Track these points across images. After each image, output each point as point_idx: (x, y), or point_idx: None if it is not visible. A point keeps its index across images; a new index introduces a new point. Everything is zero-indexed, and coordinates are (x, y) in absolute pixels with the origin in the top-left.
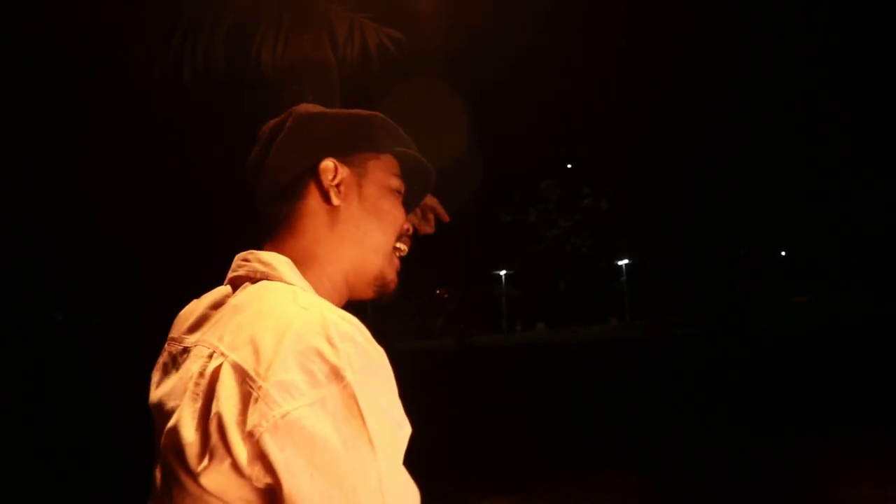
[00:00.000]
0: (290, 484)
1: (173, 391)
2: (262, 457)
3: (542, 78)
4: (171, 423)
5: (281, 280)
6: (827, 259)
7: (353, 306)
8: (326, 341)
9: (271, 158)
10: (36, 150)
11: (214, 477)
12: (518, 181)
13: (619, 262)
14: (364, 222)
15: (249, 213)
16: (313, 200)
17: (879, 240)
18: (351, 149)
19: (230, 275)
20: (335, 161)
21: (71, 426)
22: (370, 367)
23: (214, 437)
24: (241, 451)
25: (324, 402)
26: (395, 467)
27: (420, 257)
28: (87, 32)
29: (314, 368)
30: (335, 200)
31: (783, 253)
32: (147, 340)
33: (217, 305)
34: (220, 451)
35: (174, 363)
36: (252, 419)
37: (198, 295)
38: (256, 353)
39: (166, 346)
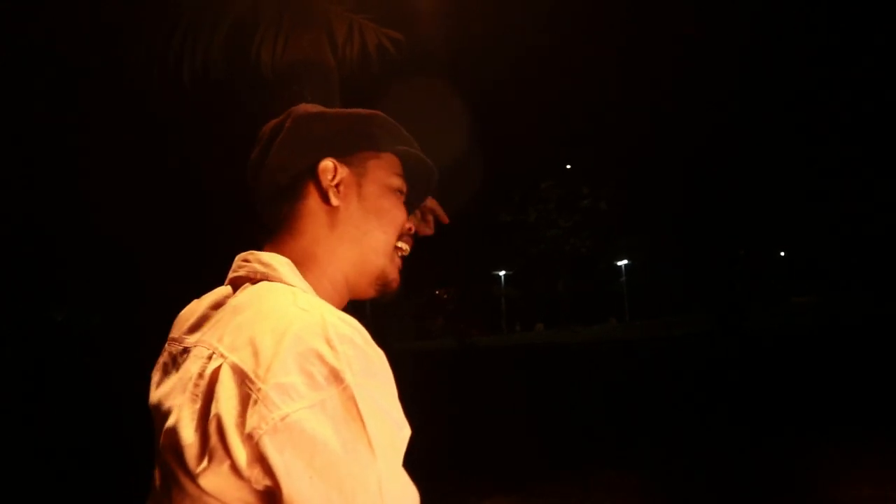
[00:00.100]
0: (290, 486)
1: (173, 391)
2: (261, 459)
3: (542, 78)
4: (170, 424)
5: (281, 281)
6: (827, 259)
7: (351, 306)
8: (326, 343)
9: (271, 159)
10: (36, 150)
11: (213, 478)
12: (518, 181)
13: (619, 263)
14: (364, 222)
15: (249, 213)
16: (313, 201)
17: (879, 240)
18: (351, 148)
19: (230, 275)
20: (334, 161)
21: (71, 426)
22: (370, 369)
23: (214, 438)
24: (241, 453)
25: (323, 405)
26: (394, 469)
27: (420, 258)
28: (87, 32)
29: (314, 371)
30: (334, 201)
31: (782, 253)
32: (147, 340)
33: (217, 306)
34: (220, 452)
35: (174, 363)
36: (251, 421)
37: (198, 295)
38: (256, 354)
39: (166, 346)
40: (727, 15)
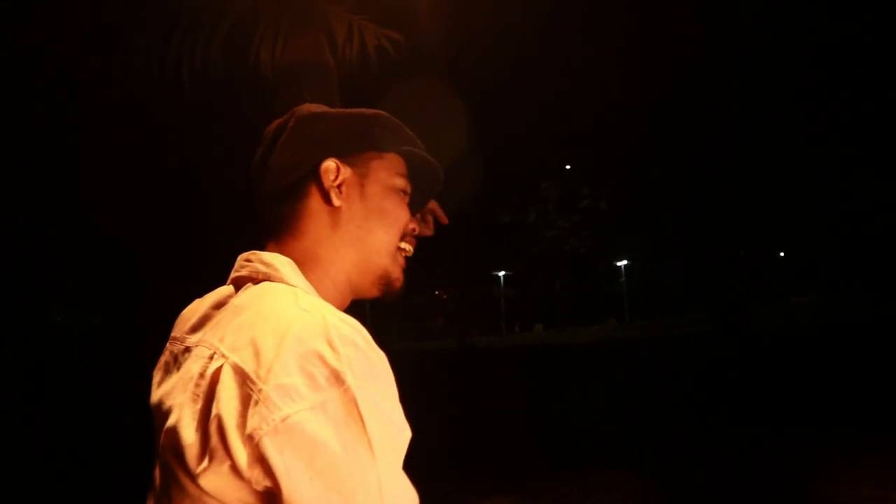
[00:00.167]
0: (290, 488)
1: (174, 391)
2: (261, 460)
3: (541, 78)
4: (170, 423)
5: (283, 281)
6: (827, 259)
7: (351, 306)
8: (327, 344)
9: (274, 159)
10: (36, 151)
11: (213, 479)
12: (517, 182)
13: (619, 263)
14: (366, 222)
15: (249, 213)
16: (315, 201)
17: (879, 240)
18: (353, 149)
19: (233, 275)
20: (337, 161)
21: (71, 426)
22: (371, 371)
23: (214, 438)
24: (241, 453)
25: (324, 406)
26: (394, 472)
27: (419, 258)
28: (87, 32)
29: (315, 372)
30: (336, 201)
31: (782, 253)
32: (147, 340)
33: (219, 305)
34: (220, 453)
35: (176, 362)
36: (252, 422)
37: (198, 295)
38: (257, 355)
39: (168, 345)
40: (727, 15)
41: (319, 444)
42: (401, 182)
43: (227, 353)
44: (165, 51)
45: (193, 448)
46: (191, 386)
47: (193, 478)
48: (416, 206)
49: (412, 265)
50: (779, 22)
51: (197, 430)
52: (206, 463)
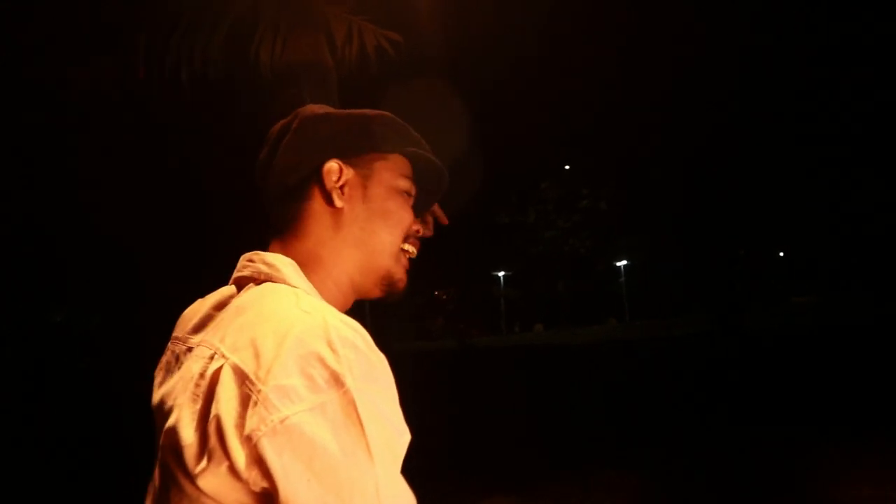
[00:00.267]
0: (287, 489)
1: (174, 391)
2: (259, 461)
3: (541, 78)
4: (169, 423)
5: (284, 282)
6: (827, 259)
7: (351, 306)
8: (328, 346)
9: (278, 159)
10: (36, 151)
11: (212, 479)
12: (517, 182)
13: (618, 263)
14: (369, 224)
15: (250, 213)
16: (318, 202)
17: (879, 240)
18: (357, 150)
19: (235, 275)
20: (340, 162)
21: (71, 426)
22: (371, 373)
23: (213, 439)
24: (239, 454)
25: (323, 408)
26: (392, 476)
27: (419, 258)
28: (87, 32)
29: (314, 373)
30: (338, 202)
31: (782, 253)
32: (147, 340)
33: (221, 306)
34: (218, 453)
35: (177, 362)
36: (251, 423)
37: (198, 295)
38: (257, 356)
39: (170, 345)
40: (727, 15)
41: (318, 445)
42: (404, 183)
43: (227, 354)
44: (165, 51)
45: (192, 448)
46: (191, 386)
47: (192, 478)
48: (421, 207)
49: (412, 265)
50: (779, 22)
51: (196, 431)
52: (204, 463)
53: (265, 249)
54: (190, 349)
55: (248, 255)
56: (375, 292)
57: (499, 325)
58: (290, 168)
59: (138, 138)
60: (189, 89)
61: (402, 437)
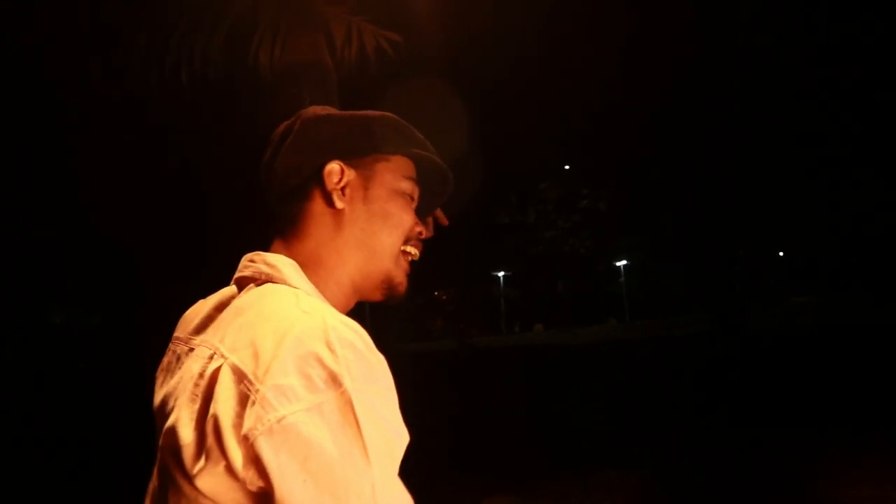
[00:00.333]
0: (283, 488)
1: (175, 391)
2: (256, 460)
3: (541, 78)
4: (169, 423)
5: (285, 283)
6: (827, 259)
7: (352, 307)
8: (326, 347)
9: (280, 161)
10: (36, 151)
11: (209, 479)
12: (517, 182)
13: (618, 263)
14: (369, 225)
15: (249, 213)
16: (318, 204)
17: (879, 240)
18: (359, 151)
19: (236, 275)
20: (341, 164)
21: (71, 426)
22: (370, 374)
23: (210, 438)
24: (236, 453)
25: (320, 408)
26: (389, 477)
27: (419, 259)
28: (87, 32)
29: (312, 373)
30: (338, 204)
31: (782, 253)
32: (147, 340)
33: (222, 307)
34: (216, 452)
35: (178, 363)
36: (248, 422)
37: (198, 295)
38: (256, 355)
39: (171, 345)
40: (727, 15)
41: (314, 445)
42: (407, 185)
43: (226, 354)
44: (165, 51)
45: (190, 448)
46: (190, 386)
47: (190, 479)
48: (426, 208)
49: (412, 267)
50: (779, 22)
51: (194, 430)
52: (201, 463)
53: (267, 250)
54: (191, 350)
55: (249, 255)
56: (376, 295)
57: (499, 325)
58: (292, 169)
59: (138, 138)
60: (189, 89)
61: (400, 438)
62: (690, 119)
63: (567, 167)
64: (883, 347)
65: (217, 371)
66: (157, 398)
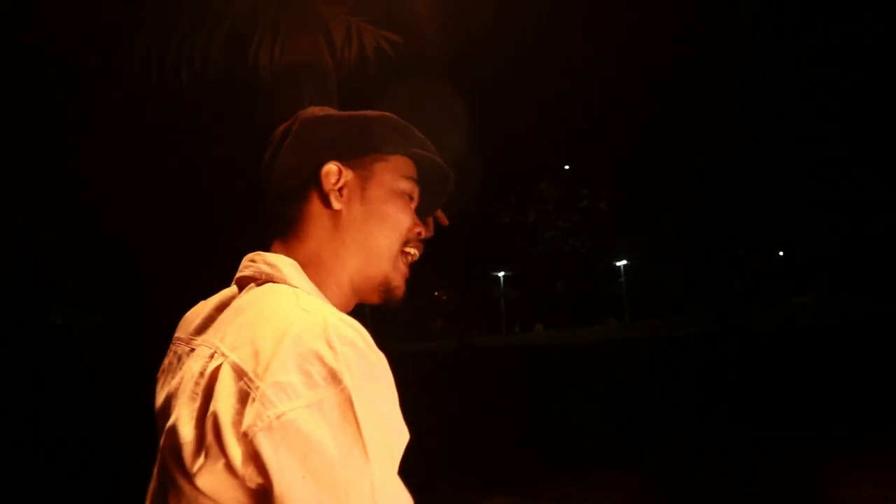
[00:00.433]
0: (281, 485)
1: (176, 391)
2: (255, 457)
3: (541, 78)
4: (169, 422)
5: (285, 282)
6: (827, 259)
7: (352, 308)
8: (326, 344)
9: (279, 162)
10: (36, 151)
11: (209, 477)
12: (517, 182)
13: (618, 263)
14: (366, 226)
15: (249, 213)
16: (317, 204)
17: (879, 240)
18: (357, 151)
19: (237, 275)
20: (339, 164)
21: (71, 426)
22: (370, 372)
23: (210, 436)
24: (236, 451)
25: (320, 405)
26: (388, 475)
27: (419, 259)
28: (87, 32)
29: (312, 371)
30: (336, 204)
31: (782, 253)
32: (147, 340)
33: (223, 307)
34: (215, 450)
35: (179, 363)
36: (247, 419)
37: (198, 295)
38: (256, 353)
39: (172, 346)
40: (727, 15)
41: (314, 442)
42: (406, 185)
43: (226, 352)
44: (165, 51)
45: (190, 446)
46: (190, 385)
47: (190, 477)
48: (426, 208)
49: (412, 267)
50: (779, 22)
51: (195, 428)
52: (201, 461)
53: (267, 250)
54: (192, 350)
55: (250, 255)
56: (374, 297)
57: (499, 325)
58: (291, 170)
59: (138, 138)
60: (189, 89)
61: (400, 436)
62: (690, 119)
63: (567, 167)
64: (883, 347)
65: (217, 369)
66: (159, 399)
